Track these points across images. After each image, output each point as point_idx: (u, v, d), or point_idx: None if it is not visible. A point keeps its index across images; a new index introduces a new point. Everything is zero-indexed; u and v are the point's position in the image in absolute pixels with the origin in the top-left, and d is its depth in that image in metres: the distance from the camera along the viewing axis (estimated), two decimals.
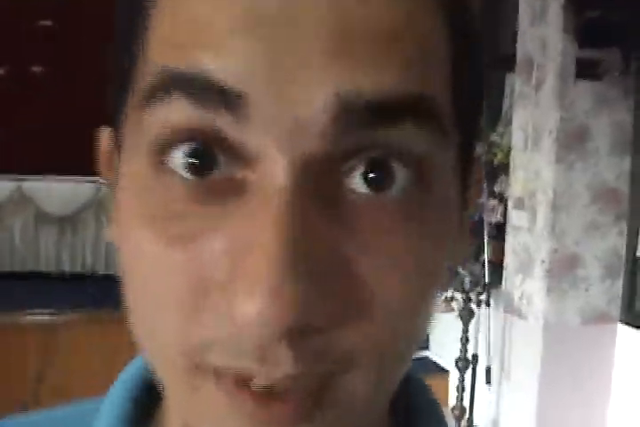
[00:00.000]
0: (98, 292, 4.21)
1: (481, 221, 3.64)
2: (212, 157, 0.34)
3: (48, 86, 6.65)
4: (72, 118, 5.98)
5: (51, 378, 3.94)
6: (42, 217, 6.20)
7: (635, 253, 3.41)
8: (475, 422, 3.86)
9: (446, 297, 3.78)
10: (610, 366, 3.44)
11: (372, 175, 0.35)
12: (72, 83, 6.50)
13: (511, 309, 3.58)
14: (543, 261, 3.37)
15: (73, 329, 4.18)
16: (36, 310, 4.28)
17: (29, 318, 4.25)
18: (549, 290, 3.37)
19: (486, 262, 3.65)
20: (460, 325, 3.84)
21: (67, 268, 6.15)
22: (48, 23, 6.56)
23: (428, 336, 4.82)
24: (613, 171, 3.39)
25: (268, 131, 0.33)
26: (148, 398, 0.50)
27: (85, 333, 4.13)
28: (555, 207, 3.34)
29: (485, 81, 0.42)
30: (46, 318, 4.26)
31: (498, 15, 4.22)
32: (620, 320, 3.45)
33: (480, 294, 3.72)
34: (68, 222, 6.26)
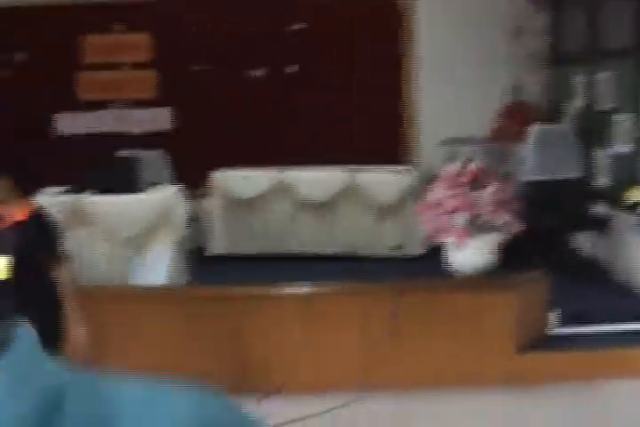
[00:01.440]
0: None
1: None
2: None
3: (300, 85, 7.01)
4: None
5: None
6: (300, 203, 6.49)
7: None
8: None
9: None
10: None
11: None
12: (323, 80, 6.89)
13: None
14: None
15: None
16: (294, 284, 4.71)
17: (288, 290, 4.67)
18: None
19: None
20: None
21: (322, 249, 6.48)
22: (302, 26, 6.88)
23: None
24: None
25: None
26: None
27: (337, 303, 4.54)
28: None
29: None
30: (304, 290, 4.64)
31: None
32: None
33: None
34: (324, 208, 6.50)
